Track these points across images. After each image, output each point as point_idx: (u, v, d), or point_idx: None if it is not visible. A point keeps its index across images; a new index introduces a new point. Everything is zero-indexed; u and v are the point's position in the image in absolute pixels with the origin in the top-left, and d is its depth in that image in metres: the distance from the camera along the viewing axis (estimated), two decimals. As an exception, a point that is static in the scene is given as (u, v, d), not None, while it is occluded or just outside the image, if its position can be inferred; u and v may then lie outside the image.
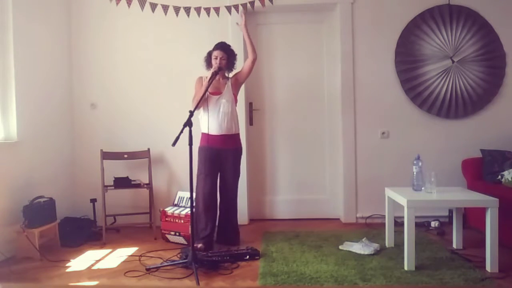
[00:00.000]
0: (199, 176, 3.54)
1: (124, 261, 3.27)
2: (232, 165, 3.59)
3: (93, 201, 4.09)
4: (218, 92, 3.56)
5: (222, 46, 3.62)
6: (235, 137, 3.62)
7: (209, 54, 3.64)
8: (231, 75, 3.71)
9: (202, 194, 3.52)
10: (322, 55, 4.48)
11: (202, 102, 3.44)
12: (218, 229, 3.67)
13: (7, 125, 3.55)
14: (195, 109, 3.22)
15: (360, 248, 3.32)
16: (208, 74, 3.50)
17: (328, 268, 2.98)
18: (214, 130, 3.52)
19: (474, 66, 4.26)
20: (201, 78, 3.65)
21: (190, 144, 3.02)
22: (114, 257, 3.39)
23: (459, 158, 4.18)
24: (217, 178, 3.59)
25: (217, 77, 3.54)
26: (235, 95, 3.65)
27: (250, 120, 4.46)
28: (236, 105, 3.64)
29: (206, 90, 3.36)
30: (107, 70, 4.38)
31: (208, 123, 3.52)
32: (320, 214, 4.49)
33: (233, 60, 3.66)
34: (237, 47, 4.28)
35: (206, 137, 3.55)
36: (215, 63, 3.53)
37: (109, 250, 3.57)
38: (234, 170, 3.62)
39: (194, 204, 3.45)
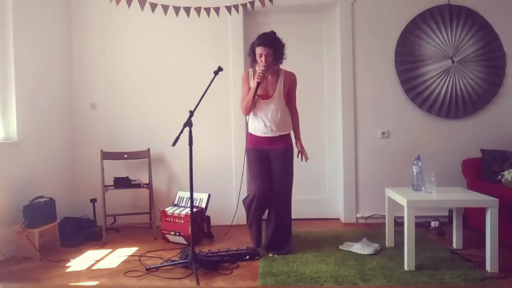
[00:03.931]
0: (250, 178, 3.39)
1: (124, 261, 3.27)
2: (281, 166, 3.32)
3: (93, 201, 4.08)
4: (266, 96, 3.28)
5: (266, 42, 3.19)
6: (283, 137, 3.35)
7: (252, 50, 3.26)
8: (281, 66, 3.38)
9: (253, 195, 3.35)
10: (322, 55, 4.48)
11: (251, 106, 3.27)
12: (267, 235, 3.44)
13: (7, 125, 3.54)
14: (193, 107, 3.18)
15: (360, 248, 3.32)
16: (255, 68, 3.30)
17: (328, 268, 2.98)
18: (261, 132, 3.32)
19: (474, 66, 4.26)
20: (247, 73, 3.36)
21: (190, 144, 3.02)
22: (114, 257, 3.39)
23: (459, 158, 4.18)
24: (267, 179, 3.32)
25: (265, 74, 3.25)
26: (286, 98, 3.33)
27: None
28: (287, 105, 3.35)
29: (254, 96, 3.20)
30: (107, 70, 4.38)
31: (256, 125, 3.33)
32: (320, 214, 4.49)
33: (280, 53, 3.26)
34: (237, 48, 4.30)
35: (253, 138, 3.37)
36: (260, 61, 3.20)
37: (109, 250, 3.57)
38: (283, 171, 3.33)
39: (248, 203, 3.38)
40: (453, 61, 4.26)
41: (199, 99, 3.15)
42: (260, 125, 3.32)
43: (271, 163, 3.36)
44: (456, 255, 3.21)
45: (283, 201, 3.39)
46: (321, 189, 4.52)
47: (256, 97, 3.26)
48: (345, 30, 4.32)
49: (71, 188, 4.31)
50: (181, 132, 2.97)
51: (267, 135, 3.33)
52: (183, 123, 3.02)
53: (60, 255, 3.42)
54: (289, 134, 3.43)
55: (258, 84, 3.20)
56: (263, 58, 3.19)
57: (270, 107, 3.28)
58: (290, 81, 3.34)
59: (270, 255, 3.32)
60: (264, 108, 3.29)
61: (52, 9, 4.09)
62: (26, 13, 3.68)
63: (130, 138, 4.35)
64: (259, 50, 3.20)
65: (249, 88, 3.30)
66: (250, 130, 3.42)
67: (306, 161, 3.47)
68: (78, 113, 4.40)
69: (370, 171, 4.34)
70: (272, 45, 3.19)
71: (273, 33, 3.29)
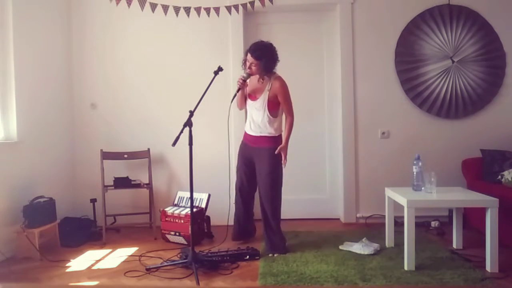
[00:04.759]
0: (236, 171, 3.65)
1: (124, 261, 3.27)
2: (263, 164, 3.39)
3: (93, 201, 4.08)
4: (254, 97, 3.42)
5: (254, 52, 3.28)
6: (269, 138, 3.41)
7: (246, 52, 3.40)
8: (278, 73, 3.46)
9: (236, 185, 3.63)
10: (322, 55, 4.48)
11: (239, 104, 3.51)
12: (263, 234, 3.56)
13: (7, 125, 3.54)
14: (193, 107, 3.19)
15: (360, 248, 3.32)
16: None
17: (328, 268, 2.98)
18: (247, 130, 3.53)
19: (474, 66, 4.26)
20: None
21: (190, 144, 3.02)
22: (114, 257, 3.39)
23: (459, 158, 4.18)
24: (249, 173, 3.53)
25: (256, 77, 3.38)
26: (273, 103, 3.37)
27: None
28: (275, 110, 3.41)
29: (234, 98, 3.41)
30: (107, 70, 4.38)
31: (246, 122, 3.56)
32: (320, 214, 4.49)
33: (269, 66, 3.32)
34: (237, 48, 4.30)
35: (244, 134, 3.58)
36: (246, 65, 3.36)
37: (109, 250, 3.57)
38: (266, 170, 3.37)
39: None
40: (453, 61, 4.26)
41: (199, 99, 3.15)
42: (247, 123, 3.54)
43: (255, 162, 3.48)
44: (456, 255, 3.21)
45: (268, 201, 3.40)
46: (321, 189, 4.52)
47: (247, 95, 3.48)
48: (345, 30, 4.32)
49: (71, 188, 4.31)
50: (181, 132, 2.98)
51: (251, 134, 3.49)
52: (183, 123, 3.02)
53: (60, 255, 3.42)
54: (277, 136, 3.45)
55: (238, 89, 3.36)
56: (248, 64, 3.33)
57: (254, 109, 3.44)
58: (275, 88, 3.36)
59: (270, 255, 3.34)
60: (250, 108, 3.48)
61: (52, 9, 4.09)
62: (26, 13, 3.68)
63: (130, 138, 4.35)
64: (247, 56, 3.33)
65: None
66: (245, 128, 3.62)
67: (283, 165, 3.44)
68: (78, 113, 4.40)
69: (370, 171, 4.34)
70: (259, 57, 3.27)
71: (268, 45, 3.34)
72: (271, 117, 3.40)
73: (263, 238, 3.52)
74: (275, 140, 3.44)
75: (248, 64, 3.32)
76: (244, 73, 3.35)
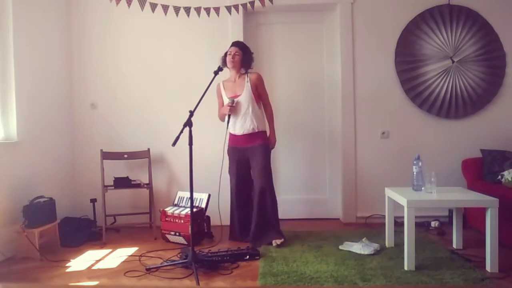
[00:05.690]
0: (229, 175, 3.77)
1: (124, 261, 3.27)
2: (257, 160, 3.59)
3: (93, 201, 4.08)
4: (235, 95, 3.61)
5: (238, 43, 3.71)
6: (259, 135, 3.63)
7: (226, 52, 3.69)
8: (253, 72, 3.72)
9: (232, 192, 3.75)
10: (322, 55, 4.48)
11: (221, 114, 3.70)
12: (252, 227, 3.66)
13: (7, 125, 3.54)
14: (193, 107, 3.20)
15: (360, 248, 3.32)
16: (226, 75, 3.74)
17: (328, 268, 2.98)
18: (238, 131, 3.64)
19: (474, 66, 4.26)
20: (218, 88, 3.77)
21: (190, 144, 3.02)
22: (114, 257, 3.39)
23: (459, 158, 4.18)
24: (245, 177, 3.70)
25: (232, 78, 3.69)
26: (255, 94, 3.64)
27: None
28: (259, 103, 3.68)
29: (228, 115, 3.62)
30: (107, 70, 4.38)
31: (232, 124, 3.65)
32: (320, 214, 4.49)
33: (248, 58, 3.67)
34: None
35: (232, 137, 3.71)
36: (229, 59, 3.61)
37: (109, 250, 3.57)
38: (260, 164, 3.57)
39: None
40: (453, 61, 4.26)
41: (199, 99, 3.16)
42: (236, 123, 3.63)
43: (249, 160, 3.63)
44: (456, 255, 3.21)
45: (262, 193, 3.56)
46: (321, 189, 4.51)
47: (227, 99, 3.64)
48: (345, 30, 4.32)
49: (71, 188, 4.31)
50: (181, 132, 2.98)
51: (244, 133, 3.61)
52: (183, 123, 3.02)
53: (60, 255, 3.42)
54: (265, 132, 3.69)
55: (229, 115, 3.61)
56: (232, 55, 3.59)
57: (240, 103, 3.59)
58: (255, 79, 3.65)
59: (274, 241, 3.48)
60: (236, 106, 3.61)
61: (52, 9, 4.09)
62: (26, 13, 3.68)
63: (130, 138, 4.35)
64: (230, 49, 3.65)
65: (222, 102, 3.73)
66: (230, 130, 3.69)
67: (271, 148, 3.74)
68: (78, 113, 4.40)
69: (370, 171, 4.34)
70: (241, 47, 3.66)
71: (248, 46, 3.74)
72: (258, 107, 3.66)
73: (253, 232, 3.58)
74: (264, 136, 3.67)
75: (230, 56, 3.59)
76: (228, 99, 3.59)
